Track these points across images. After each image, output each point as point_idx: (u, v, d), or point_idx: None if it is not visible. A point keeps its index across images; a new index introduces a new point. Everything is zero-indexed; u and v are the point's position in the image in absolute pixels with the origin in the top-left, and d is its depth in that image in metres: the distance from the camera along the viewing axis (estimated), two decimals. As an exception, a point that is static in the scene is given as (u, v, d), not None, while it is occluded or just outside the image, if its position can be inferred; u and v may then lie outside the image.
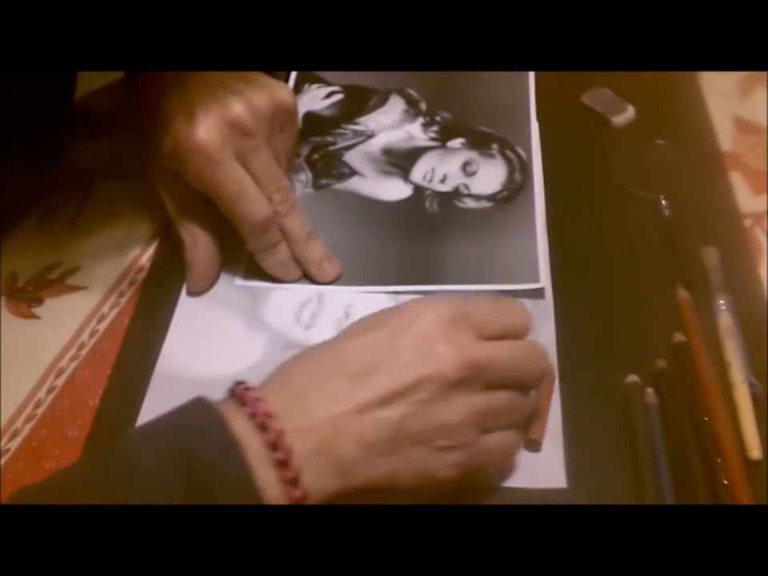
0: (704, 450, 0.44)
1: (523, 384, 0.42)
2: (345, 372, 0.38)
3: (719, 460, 0.43)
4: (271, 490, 0.35)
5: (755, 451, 0.43)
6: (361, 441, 0.37)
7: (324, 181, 0.59)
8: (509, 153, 0.60)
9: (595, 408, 0.46)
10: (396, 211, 0.57)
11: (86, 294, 0.54)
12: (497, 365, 0.40)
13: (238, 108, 0.49)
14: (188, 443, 0.35)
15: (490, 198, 0.58)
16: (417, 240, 0.55)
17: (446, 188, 0.59)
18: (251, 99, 0.50)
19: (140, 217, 0.58)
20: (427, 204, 0.58)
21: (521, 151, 0.60)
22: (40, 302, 0.53)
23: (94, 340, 0.51)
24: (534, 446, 0.44)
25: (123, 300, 0.53)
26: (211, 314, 0.52)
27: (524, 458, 0.44)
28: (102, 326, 0.52)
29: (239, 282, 0.54)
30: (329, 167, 0.60)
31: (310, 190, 0.59)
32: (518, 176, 0.59)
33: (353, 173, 0.60)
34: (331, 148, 0.62)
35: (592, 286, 0.52)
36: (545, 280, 0.52)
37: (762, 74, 0.65)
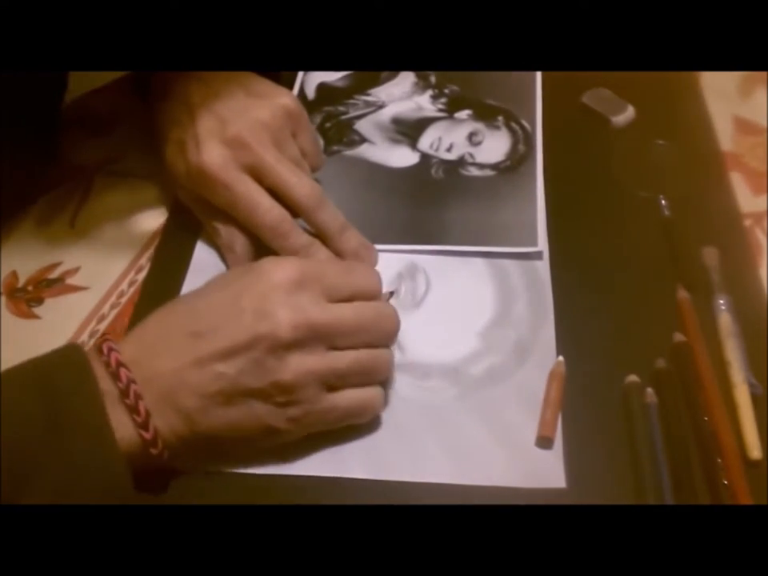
0: (704, 450, 0.44)
1: (372, 345, 0.44)
2: (191, 329, 0.41)
3: (719, 460, 0.43)
4: (123, 429, 0.39)
5: (755, 451, 0.43)
6: (200, 392, 0.40)
7: (335, 147, 0.61)
8: (513, 125, 0.62)
9: (595, 408, 0.46)
10: (403, 177, 0.59)
11: (86, 294, 0.54)
12: (339, 327, 0.42)
13: (235, 126, 0.51)
14: (49, 378, 0.39)
15: (494, 167, 0.59)
16: (422, 204, 0.57)
17: (451, 156, 0.61)
18: (252, 113, 0.52)
19: (140, 216, 0.58)
20: (433, 171, 0.60)
21: (525, 123, 0.62)
22: (40, 302, 0.53)
23: (93, 340, 0.51)
24: (546, 443, 0.45)
25: (123, 300, 0.53)
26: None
27: (524, 457, 0.44)
28: (102, 326, 0.52)
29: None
30: (340, 135, 0.62)
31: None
32: (521, 147, 0.61)
33: (363, 140, 0.62)
34: (343, 117, 0.64)
35: (592, 286, 0.52)
36: (542, 244, 0.54)
37: (762, 74, 0.65)
